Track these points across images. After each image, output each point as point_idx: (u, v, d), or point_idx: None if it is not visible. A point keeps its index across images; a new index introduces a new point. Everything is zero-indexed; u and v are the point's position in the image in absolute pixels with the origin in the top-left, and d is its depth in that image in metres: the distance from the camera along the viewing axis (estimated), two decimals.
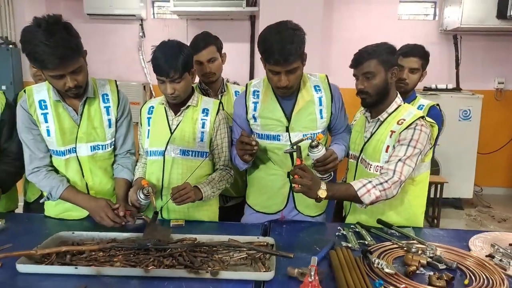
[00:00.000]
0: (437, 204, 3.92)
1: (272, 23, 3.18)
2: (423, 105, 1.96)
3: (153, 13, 5.20)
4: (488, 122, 4.51)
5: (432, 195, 3.88)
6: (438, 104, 1.98)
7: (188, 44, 1.84)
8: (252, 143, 1.55)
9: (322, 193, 1.36)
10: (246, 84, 1.80)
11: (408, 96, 2.04)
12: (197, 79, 1.94)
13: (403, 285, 1.13)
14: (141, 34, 5.16)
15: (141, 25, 5.15)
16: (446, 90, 4.45)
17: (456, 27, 4.35)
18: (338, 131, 1.78)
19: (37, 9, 4.92)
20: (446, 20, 4.68)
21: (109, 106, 1.66)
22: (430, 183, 3.72)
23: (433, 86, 4.45)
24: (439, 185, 3.85)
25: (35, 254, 1.28)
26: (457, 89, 4.61)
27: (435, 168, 4.21)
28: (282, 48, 1.44)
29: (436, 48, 4.72)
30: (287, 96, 1.63)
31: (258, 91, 1.72)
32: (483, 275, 1.24)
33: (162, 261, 1.26)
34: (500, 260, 1.33)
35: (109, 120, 1.66)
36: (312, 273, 1.04)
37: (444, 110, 4.18)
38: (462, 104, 4.30)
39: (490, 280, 1.21)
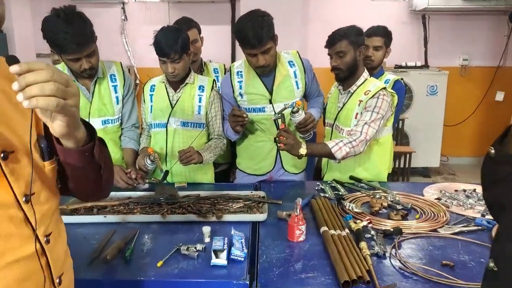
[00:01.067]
0: (406, 173, 4.31)
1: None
2: (389, 79, 2.27)
3: None
4: (453, 96, 4.89)
5: (402, 165, 4.26)
6: (402, 79, 2.29)
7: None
8: (243, 115, 1.82)
9: (303, 150, 1.66)
10: (230, 67, 2.05)
11: (376, 72, 2.34)
12: None
13: (367, 218, 1.45)
14: (123, 17, 5.24)
15: (123, 8, 5.22)
16: (415, 67, 4.79)
17: (424, 7, 4.65)
18: (313, 97, 2.07)
19: None
20: (415, 1, 4.98)
21: (116, 85, 1.89)
22: (400, 153, 4.12)
23: (403, 64, 4.78)
24: (408, 155, 4.22)
25: (66, 209, 1.53)
26: (425, 66, 4.96)
27: (405, 140, 4.59)
28: (255, 33, 1.70)
29: (407, 27, 5.05)
30: (266, 73, 1.90)
31: (241, 72, 1.98)
32: (431, 211, 1.57)
33: (174, 211, 1.54)
34: (445, 201, 1.67)
35: (117, 98, 1.89)
36: (298, 209, 1.34)
37: (413, 86, 4.57)
38: (430, 80, 4.65)
39: (436, 215, 1.54)
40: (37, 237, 0.70)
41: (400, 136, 4.49)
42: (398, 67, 4.77)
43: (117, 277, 1.13)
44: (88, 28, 1.63)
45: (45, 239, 0.73)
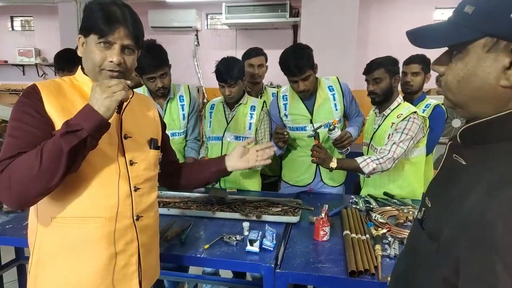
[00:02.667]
0: None
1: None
2: (430, 104, 2.40)
3: (207, 24, 5.89)
4: None
5: None
6: (442, 104, 2.40)
7: (240, 53, 2.42)
8: (284, 133, 2.10)
9: (333, 164, 1.88)
10: (277, 91, 2.35)
11: (418, 97, 2.49)
12: None
13: (387, 226, 1.62)
14: (196, 43, 5.87)
15: (196, 35, 5.86)
16: None
17: None
18: (352, 117, 2.29)
19: None
20: None
21: (184, 104, 2.29)
22: None
23: None
24: None
25: None
26: None
27: None
28: (296, 64, 1.99)
29: None
30: (307, 97, 2.17)
31: (286, 95, 2.28)
32: None
33: (223, 209, 1.85)
34: None
35: (183, 115, 2.29)
36: (323, 213, 1.57)
37: None
38: None
39: None
40: (131, 192, 1.13)
41: None
42: None
43: (174, 252, 1.46)
44: (163, 55, 2.06)
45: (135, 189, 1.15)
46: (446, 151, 0.76)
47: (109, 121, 0.98)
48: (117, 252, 1.10)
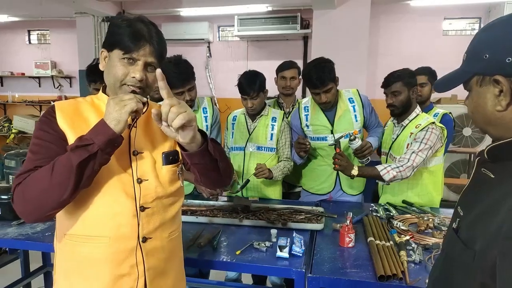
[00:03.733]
0: None
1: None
2: (438, 113, 2.50)
3: (219, 37, 6.03)
4: None
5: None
6: (450, 112, 2.51)
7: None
8: (306, 143, 2.18)
9: (354, 171, 1.96)
10: (298, 102, 2.43)
11: (426, 106, 2.62)
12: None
13: (410, 233, 1.68)
14: (208, 54, 6.00)
15: (208, 47, 5.99)
16: None
17: None
18: (372, 127, 2.37)
19: None
20: None
21: (207, 116, 2.38)
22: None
23: None
24: None
25: None
26: None
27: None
28: (318, 76, 2.08)
29: None
30: (328, 108, 2.25)
31: (308, 107, 2.36)
32: None
33: (248, 217, 1.92)
34: None
35: (206, 126, 2.38)
36: (348, 221, 1.64)
37: None
38: None
39: None
40: (138, 212, 1.07)
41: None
42: None
43: (207, 258, 1.53)
44: (190, 70, 2.16)
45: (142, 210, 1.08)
46: (475, 165, 0.87)
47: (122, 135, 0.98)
48: (122, 274, 1.06)
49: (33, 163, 1.00)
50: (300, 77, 2.77)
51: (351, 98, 2.28)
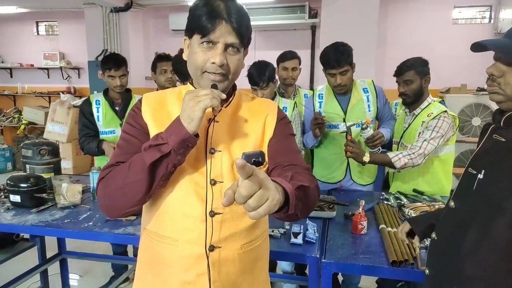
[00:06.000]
0: None
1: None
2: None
3: None
4: None
5: None
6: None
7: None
8: (322, 118, 2.20)
9: (366, 158, 1.98)
10: (313, 89, 2.45)
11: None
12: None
13: None
14: None
15: None
16: None
17: None
18: (385, 120, 2.38)
19: (136, 27, 5.98)
20: (500, 23, 4.91)
21: None
22: None
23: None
24: None
25: None
26: None
27: None
28: (335, 57, 2.08)
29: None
30: (342, 95, 2.26)
31: (322, 94, 2.37)
32: None
33: None
34: None
35: None
36: (361, 208, 1.66)
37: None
38: None
39: None
40: (206, 217, 0.97)
41: None
42: (480, 89, 4.72)
43: None
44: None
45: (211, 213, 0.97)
46: (488, 133, 1.01)
47: (198, 133, 0.90)
48: (188, 281, 0.99)
49: (117, 158, 0.98)
50: (301, 67, 2.77)
51: (366, 88, 2.29)
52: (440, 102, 2.15)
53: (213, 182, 0.98)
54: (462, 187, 1.04)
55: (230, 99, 1.05)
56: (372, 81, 2.34)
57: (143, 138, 0.98)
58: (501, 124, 0.97)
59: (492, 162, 0.95)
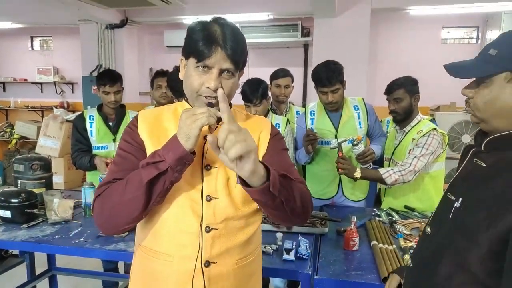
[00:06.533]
0: None
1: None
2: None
3: None
4: None
5: None
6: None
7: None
8: (316, 135, 2.22)
9: (357, 174, 2.00)
10: (305, 106, 2.49)
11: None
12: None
13: (416, 240, 1.72)
14: None
15: None
16: None
17: None
18: (375, 136, 2.42)
19: (131, 43, 6.03)
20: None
21: None
22: None
23: None
24: None
25: None
26: None
27: None
28: (327, 75, 2.12)
29: None
30: (334, 112, 2.30)
31: (314, 111, 2.41)
32: None
33: None
34: None
35: None
36: (352, 224, 1.67)
37: None
38: None
39: None
40: (202, 233, 0.98)
41: None
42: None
43: None
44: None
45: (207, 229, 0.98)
46: (468, 157, 0.97)
47: (195, 150, 0.91)
48: None
49: (114, 175, 0.98)
50: (293, 84, 2.82)
51: (356, 106, 2.34)
52: (431, 120, 2.20)
53: (209, 198, 0.99)
54: (439, 213, 0.99)
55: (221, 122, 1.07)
56: (363, 98, 2.38)
57: (139, 155, 0.99)
58: (482, 148, 0.92)
59: (470, 189, 0.89)
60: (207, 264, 0.99)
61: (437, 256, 0.92)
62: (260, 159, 1.04)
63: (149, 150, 0.99)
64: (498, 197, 0.80)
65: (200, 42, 0.94)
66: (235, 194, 1.02)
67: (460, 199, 0.90)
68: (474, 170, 0.92)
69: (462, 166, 0.98)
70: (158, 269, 1.02)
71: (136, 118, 1.06)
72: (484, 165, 0.89)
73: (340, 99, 2.25)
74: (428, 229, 0.99)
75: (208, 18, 1.00)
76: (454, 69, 0.92)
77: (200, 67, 0.96)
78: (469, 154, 0.97)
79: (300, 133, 2.42)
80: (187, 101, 1.08)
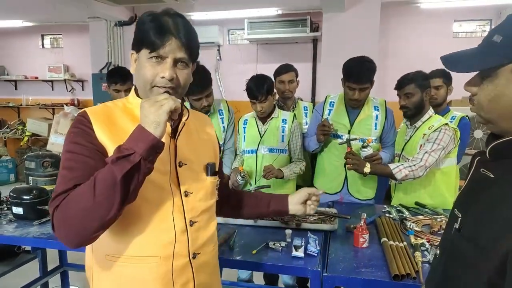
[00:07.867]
0: None
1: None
2: (455, 116, 2.49)
3: (229, 40, 6.08)
4: None
5: None
6: (467, 116, 2.50)
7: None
8: (330, 126, 2.23)
9: (367, 169, 1.99)
10: (326, 96, 2.48)
11: (442, 109, 2.59)
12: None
13: (427, 237, 1.69)
14: (218, 57, 6.05)
15: (218, 50, 6.05)
16: None
17: None
18: (387, 144, 2.38)
19: None
20: None
21: (223, 117, 2.43)
22: None
23: None
24: None
25: None
26: None
27: None
28: (359, 72, 2.11)
29: None
30: (355, 108, 2.27)
31: (333, 102, 2.41)
32: None
33: (263, 218, 1.94)
34: None
35: (223, 127, 2.43)
36: (362, 221, 1.66)
37: None
38: None
39: None
40: (187, 227, 1.03)
41: None
42: None
43: (225, 257, 1.56)
44: (208, 76, 2.19)
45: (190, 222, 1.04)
46: (474, 166, 0.84)
47: (163, 140, 0.89)
48: None
49: (71, 181, 0.89)
50: (298, 79, 2.80)
51: (377, 107, 2.32)
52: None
53: (186, 194, 1.05)
54: (447, 231, 0.89)
55: (188, 113, 1.09)
56: (385, 101, 2.36)
57: (96, 157, 0.93)
58: (487, 157, 0.79)
59: (477, 205, 0.78)
60: (194, 256, 1.05)
61: (448, 281, 0.83)
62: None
63: (112, 149, 0.91)
64: (504, 221, 0.69)
65: (152, 32, 0.94)
66: (206, 187, 1.10)
67: (468, 220, 0.80)
68: (482, 181, 0.80)
69: (469, 176, 0.87)
70: (139, 273, 0.99)
71: (84, 117, 0.97)
72: (492, 176, 0.77)
73: (366, 98, 2.23)
74: (438, 251, 0.91)
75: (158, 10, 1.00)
76: (452, 62, 0.79)
77: (153, 57, 0.96)
78: (475, 163, 0.85)
79: (315, 120, 2.41)
80: (137, 95, 1.05)
